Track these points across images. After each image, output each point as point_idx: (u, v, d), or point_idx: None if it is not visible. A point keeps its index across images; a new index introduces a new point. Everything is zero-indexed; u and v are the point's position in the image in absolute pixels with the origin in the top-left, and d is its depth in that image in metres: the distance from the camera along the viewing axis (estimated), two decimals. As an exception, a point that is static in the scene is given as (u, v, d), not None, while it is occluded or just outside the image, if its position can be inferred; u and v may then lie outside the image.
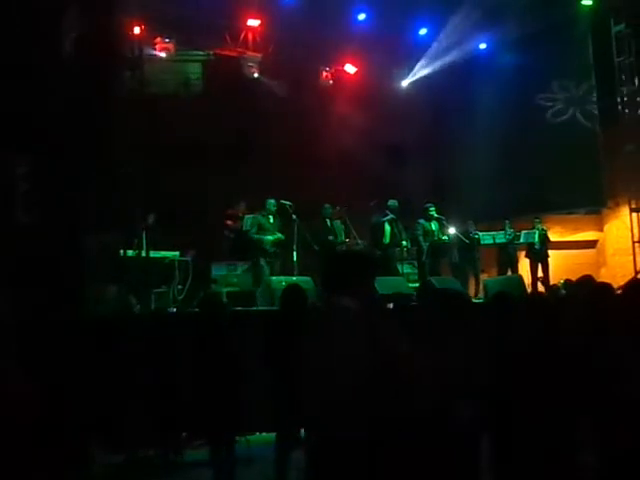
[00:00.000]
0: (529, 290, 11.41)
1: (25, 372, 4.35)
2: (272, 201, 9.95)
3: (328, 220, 10.53)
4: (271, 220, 9.92)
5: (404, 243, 11.03)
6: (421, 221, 11.34)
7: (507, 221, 12.29)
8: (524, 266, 12.38)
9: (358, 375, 2.46)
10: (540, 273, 12.03)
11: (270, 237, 9.77)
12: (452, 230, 11.59)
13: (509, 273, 12.12)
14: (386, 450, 2.45)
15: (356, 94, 13.31)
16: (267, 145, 12.10)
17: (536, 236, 12.03)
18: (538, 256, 12.08)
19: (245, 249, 10.06)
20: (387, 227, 10.80)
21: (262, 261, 9.71)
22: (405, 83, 14.44)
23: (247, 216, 10.16)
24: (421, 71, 14.01)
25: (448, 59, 13.24)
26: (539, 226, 12.15)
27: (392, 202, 10.92)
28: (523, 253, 12.47)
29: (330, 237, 10.31)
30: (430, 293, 4.24)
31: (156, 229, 8.92)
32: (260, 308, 8.66)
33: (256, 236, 9.76)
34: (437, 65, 13.49)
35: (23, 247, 5.40)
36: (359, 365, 2.47)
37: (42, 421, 4.44)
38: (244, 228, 10.09)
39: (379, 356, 2.49)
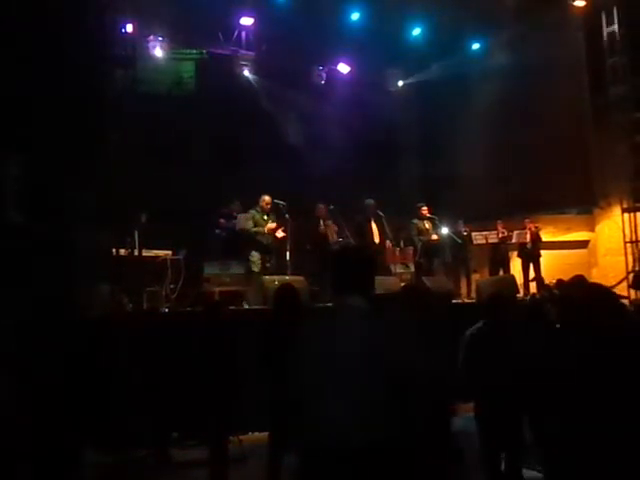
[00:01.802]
0: (521, 290, 11.49)
1: (18, 372, 4.34)
2: (266, 197, 9.87)
3: (321, 220, 10.50)
4: (265, 217, 9.83)
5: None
6: (414, 221, 11.35)
7: (499, 221, 12.33)
8: (516, 266, 12.42)
9: (375, 375, 2.45)
10: (532, 273, 12.08)
11: (265, 231, 9.67)
12: (445, 230, 11.61)
13: (501, 273, 12.16)
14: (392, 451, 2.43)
15: (349, 93, 13.32)
16: (260, 144, 12.08)
17: (528, 236, 12.08)
18: (530, 256, 12.12)
19: (238, 247, 10.03)
20: (374, 226, 10.77)
21: (255, 257, 9.64)
22: (398, 82, 14.45)
23: (241, 215, 10.14)
24: (415, 72, 14.05)
25: (441, 59, 13.25)
26: (530, 226, 12.20)
27: (368, 201, 10.89)
28: (515, 253, 12.50)
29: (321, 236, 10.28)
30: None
31: (148, 228, 8.89)
32: (253, 307, 8.66)
33: (254, 229, 9.67)
34: (430, 65, 13.50)
35: (15, 246, 5.38)
36: (375, 364, 2.46)
37: (35, 422, 4.44)
38: (237, 227, 10.06)
39: (394, 355, 2.50)
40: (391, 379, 2.45)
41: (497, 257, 12.36)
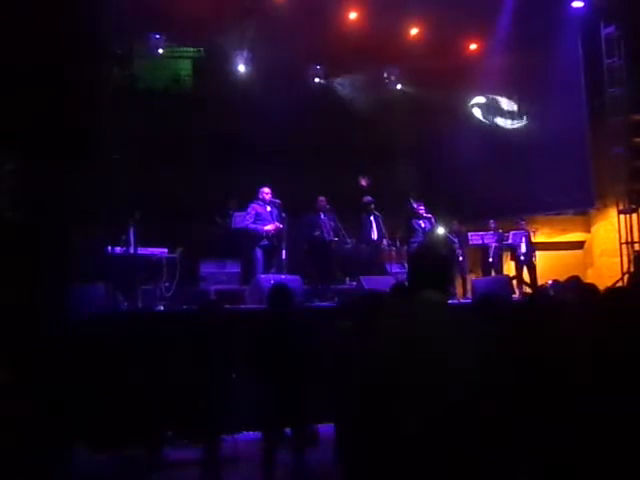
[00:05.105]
0: (516, 291, 11.50)
1: (12, 372, 4.32)
2: (266, 188, 9.76)
3: (322, 214, 10.44)
4: (268, 209, 9.72)
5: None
6: (412, 220, 11.34)
7: (493, 221, 12.36)
8: (510, 267, 12.42)
9: (463, 368, 2.43)
10: (526, 274, 12.09)
11: (269, 227, 9.56)
12: (441, 230, 11.60)
13: (493, 274, 12.17)
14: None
15: (347, 92, 13.32)
16: (257, 142, 12.06)
17: (523, 237, 12.09)
18: (524, 257, 12.11)
19: (234, 246, 10.01)
20: (374, 224, 10.76)
21: (259, 254, 9.53)
22: (397, 85, 14.42)
23: (237, 213, 10.12)
24: (412, 73, 14.03)
25: (439, 60, 13.22)
26: (525, 227, 12.22)
27: (367, 198, 10.86)
28: (509, 254, 12.50)
29: (317, 232, 10.20)
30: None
31: (144, 226, 8.86)
32: (249, 306, 8.63)
33: (252, 226, 9.52)
34: (427, 66, 13.46)
35: (9, 244, 5.36)
36: (465, 357, 2.45)
37: (28, 420, 4.42)
38: (234, 225, 10.04)
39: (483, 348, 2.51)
40: (480, 372, 2.46)
41: (492, 258, 12.37)
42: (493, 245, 12.16)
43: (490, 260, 12.27)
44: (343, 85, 13.54)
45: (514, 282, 11.64)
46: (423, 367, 2.43)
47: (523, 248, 12.12)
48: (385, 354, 2.50)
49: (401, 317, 2.64)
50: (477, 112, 14.54)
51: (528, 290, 11.65)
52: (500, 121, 14.20)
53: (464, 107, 14.23)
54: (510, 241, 12.16)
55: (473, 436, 2.35)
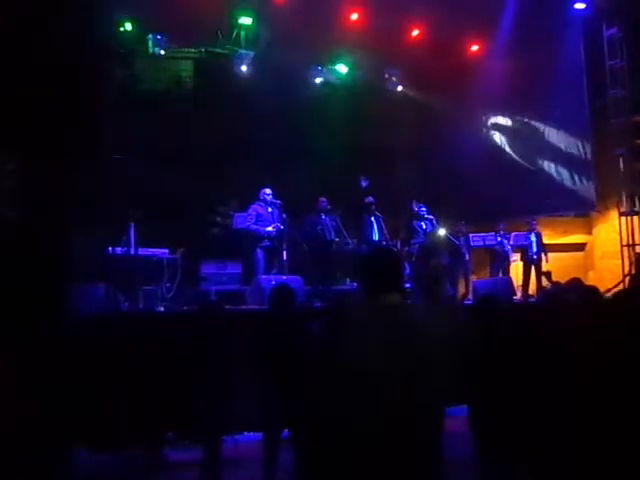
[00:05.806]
0: (519, 292, 11.49)
1: (12, 372, 4.32)
2: (267, 189, 9.78)
3: (323, 214, 10.41)
4: (269, 210, 9.73)
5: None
6: (413, 221, 11.33)
7: (498, 222, 12.34)
8: (516, 268, 12.38)
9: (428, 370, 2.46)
10: (534, 276, 12.03)
11: (270, 228, 9.61)
12: (443, 231, 11.58)
13: (500, 275, 12.14)
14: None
15: (347, 94, 13.32)
16: (258, 143, 12.06)
17: (532, 237, 12.05)
18: (533, 259, 12.05)
19: (234, 246, 10.01)
20: (375, 225, 10.75)
21: (259, 254, 9.54)
22: (398, 86, 14.41)
23: (237, 214, 10.12)
24: (414, 73, 14.01)
25: (439, 61, 13.22)
26: (536, 228, 12.18)
27: (368, 199, 10.86)
28: (517, 255, 12.45)
29: (318, 235, 10.18)
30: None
31: (144, 226, 8.86)
32: (250, 307, 8.63)
33: (254, 227, 9.58)
34: (429, 66, 13.46)
35: (8, 243, 5.36)
36: (429, 357, 2.46)
37: (28, 420, 4.41)
38: (234, 226, 10.04)
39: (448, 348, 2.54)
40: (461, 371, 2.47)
41: (496, 259, 12.34)
42: (507, 247, 12.10)
43: (497, 261, 12.22)
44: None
45: (515, 283, 11.62)
46: (407, 368, 2.44)
47: (534, 247, 12.06)
48: (368, 355, 2.51)
49: (382, 320, 2.63)
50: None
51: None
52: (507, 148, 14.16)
53: (466, 109, 14.19)
54: (511, 242, 12.12)
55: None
